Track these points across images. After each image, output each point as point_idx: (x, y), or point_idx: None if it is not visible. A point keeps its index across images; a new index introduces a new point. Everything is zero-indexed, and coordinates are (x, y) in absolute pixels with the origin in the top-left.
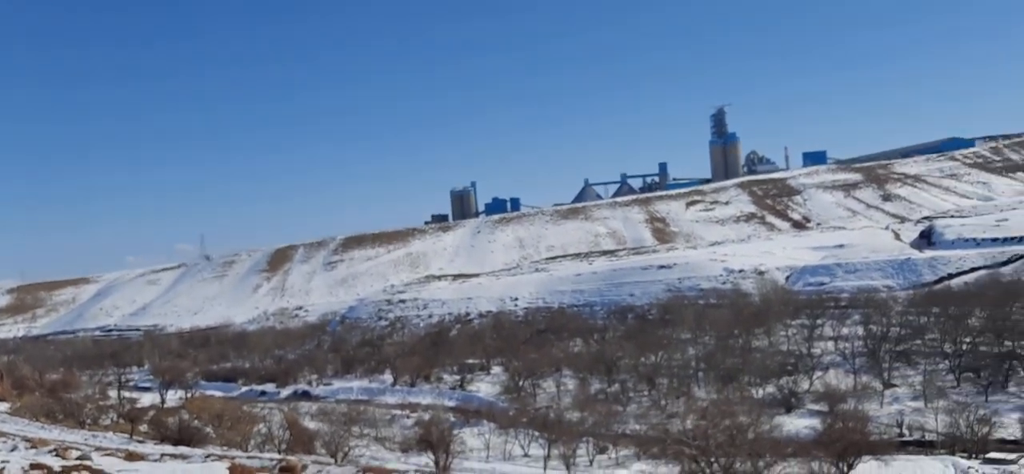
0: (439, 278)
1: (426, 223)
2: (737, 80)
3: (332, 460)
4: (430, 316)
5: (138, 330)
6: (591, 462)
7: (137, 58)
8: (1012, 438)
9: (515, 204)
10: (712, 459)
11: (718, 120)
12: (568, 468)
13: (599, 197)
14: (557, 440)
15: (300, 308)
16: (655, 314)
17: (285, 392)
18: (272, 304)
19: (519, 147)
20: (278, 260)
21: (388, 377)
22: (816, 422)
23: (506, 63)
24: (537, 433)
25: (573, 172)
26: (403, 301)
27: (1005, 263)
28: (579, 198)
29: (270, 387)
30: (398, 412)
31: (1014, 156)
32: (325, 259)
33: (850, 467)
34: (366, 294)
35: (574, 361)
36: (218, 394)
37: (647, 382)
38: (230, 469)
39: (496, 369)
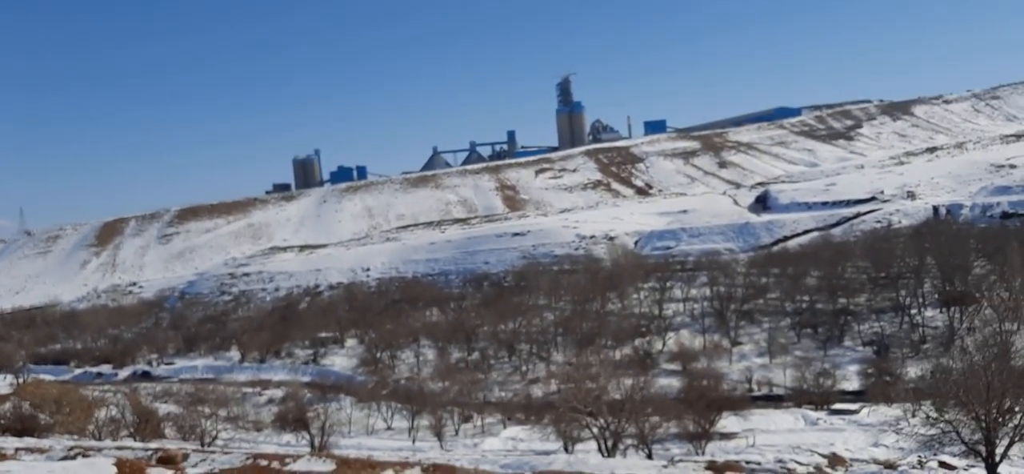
0: (284, 250)
1: (268, 192)
2: (582, 50)
3: (209, 448)
4: (277, 289)
5: None
6: (457, 432)
7: None
8: (852, 389)
9: (362, 172)
10: (605, 420)
11: (564, 89)
12: (440, 439)
13: (448, 165)
14: (421, 411)
15: (134, 284)
16: (511, 281)
17: (123, 373)
18: (103, 280)
19: (365, 114)
20: (107, 234)
21: (235, 354)
22: (673, 381)
23: (349, 31)
24: (399, 405)
25: (421, 140)
26: (247, 274)
27: (835, 225)
28: (428, 166)
29: (106, 368)
30: (249, 390)
31: (836, 125)
32: (159, 232)
33: (712, 423)
34: (206, 268)
35: (432, 331)
36: (50, 378)
37: (507, 349)
38: (117, 464)
39: (351, 342)
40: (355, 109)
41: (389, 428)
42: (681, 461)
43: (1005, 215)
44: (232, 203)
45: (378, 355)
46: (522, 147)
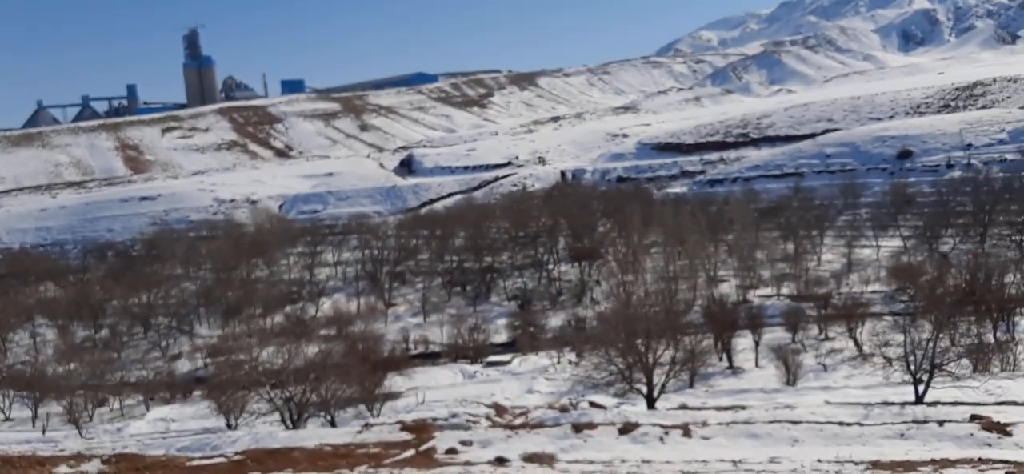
0: None
1: None
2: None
3: None
4: None
5: None
6: (91, 417)
7: None
8: (502, 341)
9: None
10: (289, 390)
11: (192, 42)
12: (78, 426)
13: (57, 122)
14: (44, 398)
15: None
16: (141, 250)
17: None
18: None
19: None
20: None
21: None
22: (332, 346)
23: None
24: (18, 393)
25: (22, 93)
26: None
27: (476, 188)
28: (32, 123)
29: None
30: None
31: (470, 92)
32: None
33: (377, 384)
34: None
35: (50, 308)
36: None
37: (142, 324)
38: None
39: None
40: None
41: (8, 419)
42: (375, 424)
43: (620, 179)
44: None
45: None
46: (145, 104)
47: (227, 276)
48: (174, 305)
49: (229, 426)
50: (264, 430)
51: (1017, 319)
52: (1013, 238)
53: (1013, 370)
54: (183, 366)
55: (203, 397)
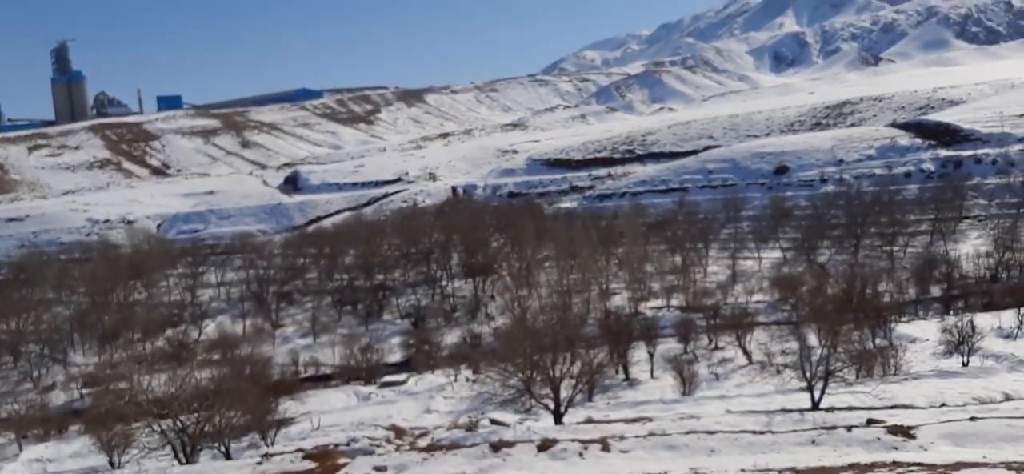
0: None
1: None
2: (80, 12)
3: None
4: None
5: None
6: None
7: None
8: (396, 361)
9: None
10: (181, 420)
11: (60, 56)
12: None
13: None
14: None
15: None
16: (8, 273)
17: None
18: None
19: None
20: None
21: None
22: (219, 370)
23: None
24: None
25: None
26: None
27: (366, 204)
28: None
29: None
30: None
31: (356, 108)
32: None
33: (270, 410)
34: None
35: None
36: None
37: (11, 352)
38: None
39: None
40: None
41: None
42: (275, 454)
43: (511, 195)
44: None
45: None
46: (10, 120)
47: (103, 300)
48: (46, 331)
49: (112, 464)
50: (153, 466)
51: (892, 326)
52: (884, 248)
53: (895, 374)
54: (58, 397)
55: (82, 432)
